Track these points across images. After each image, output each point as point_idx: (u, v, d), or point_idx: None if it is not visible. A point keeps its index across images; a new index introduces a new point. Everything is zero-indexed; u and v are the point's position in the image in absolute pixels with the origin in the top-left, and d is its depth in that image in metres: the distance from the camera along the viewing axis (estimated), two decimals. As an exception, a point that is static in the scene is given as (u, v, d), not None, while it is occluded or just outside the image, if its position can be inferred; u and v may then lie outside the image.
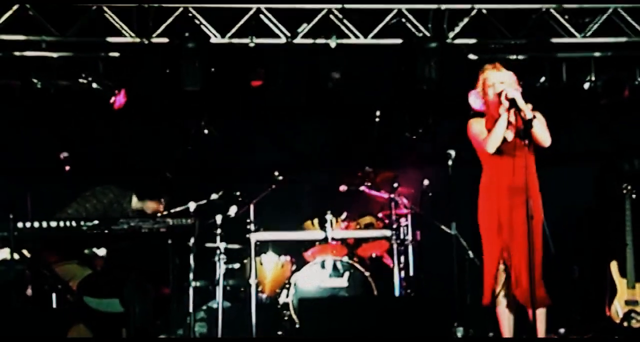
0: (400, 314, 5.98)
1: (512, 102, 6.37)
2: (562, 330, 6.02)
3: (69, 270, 6.87)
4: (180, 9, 8.75)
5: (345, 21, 8.88)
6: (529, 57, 9.01)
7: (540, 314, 6.48)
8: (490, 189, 6.64)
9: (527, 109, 6.36)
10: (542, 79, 9.08)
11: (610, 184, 9.37)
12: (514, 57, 8.99)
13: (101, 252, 7.00)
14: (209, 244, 8.17)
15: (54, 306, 6.63)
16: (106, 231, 6.54)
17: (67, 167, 7.40)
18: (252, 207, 8.23)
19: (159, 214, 6.97)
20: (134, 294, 6.71)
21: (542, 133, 6.41)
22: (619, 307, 8.04)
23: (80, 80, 8.71)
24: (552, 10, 8.92)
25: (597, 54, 9.09)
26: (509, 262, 6.52)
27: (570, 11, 8.97)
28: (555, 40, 8.97)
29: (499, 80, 6.56)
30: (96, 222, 6.53)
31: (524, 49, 8.97)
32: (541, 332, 6.45)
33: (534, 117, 6.27)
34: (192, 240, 7.60)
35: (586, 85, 9.13)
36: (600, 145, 9.62)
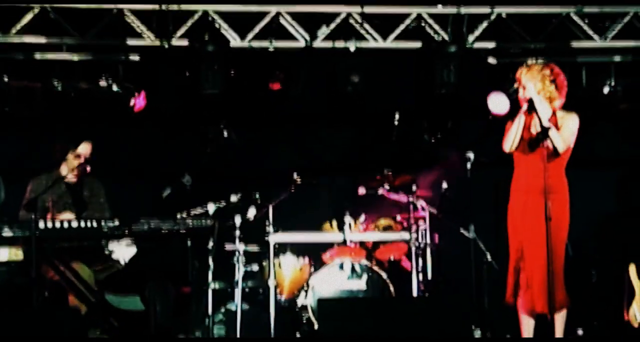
0: (418, 316, 5.96)
1: (530, 104, 6.41)
2: (580, 331, 6.00)
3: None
4: (200, 12, 8.79)
5: (364, 25, 8.90)
6: (548, 61, 8.99)
7: (560, 317, 6.49)
8: (513, 189, 6.73)
9: (544, 113, 6.39)
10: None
11: (631, 189, 9.35)
12: (533, 61, 8.97)
13: (122, 252, 7.03)
14: (228, 246, 8.20)
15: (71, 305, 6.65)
16: (126, 231, 6.57)
17: (88, 169, 7.43)
18: (270, 209, 8.25)
19: (178, 216, 6.99)
20: (155, 292, 6.74)
21: (556, 140, 6.41)
22: (637, 311, 8.01)
23: (101, 82, 8.76)
24: (572, 14, 8.93)
25: (617, 58, 9.08)
26: (521, 263, 6.54)
27: (591, 15, 8.96)
28: (575, 44, 8.97)
29: (529, 80, 6.58)
30: (117, 222, 6.56)
31: (544, 53, 8.95)
32: (559, 335, 6.45)
33: (549, 127, 6.31)
34: (211, 242, 7.66)
35: (606, 90, 9.10)
36: (621, 151, 9.57)
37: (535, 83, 6.59)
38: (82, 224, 6.50)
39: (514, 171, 6.74)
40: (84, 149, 7.33)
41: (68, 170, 7.33)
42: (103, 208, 7.47)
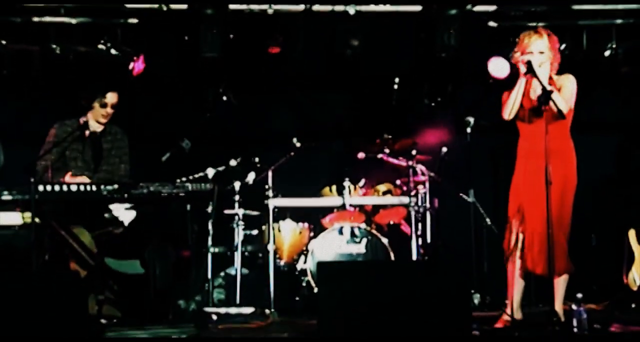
0: (418, 279, 5.98)
1: (529, 67, 6.39)
2: (579, 295, 6.01)
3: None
4: (199, -25, 8.72)
5: (364, -13, 8.84)
6: (549, 24, 8.94)
7: (561, 281, 6.51)
8: (523, 151, 6.72)
9: (543, 76, 6.38)
10: (563, 47, 9.00)
11: (631, 154, 9.34)
12: (534, 24, 8.92)
13: (122, 216, 7.03)
14: (227, 211, 8.21)
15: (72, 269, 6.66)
16: (126, 195, 6.58)
17: (87, 132, 7.44)
18: (270, 173, 8.24)
19: (177, 180, 6.98)
20: (155, 256, 6.76)
21: (560, 103, 6.39)
22: (636, 275, 8.04)
23: (99, 46, 8.71)
24: (572, -24, 8.86)
25: (618, 21, 9.01)
26: (523, 226, 6.55)
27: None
28: (576, 7, 8.90)
29: (538, 50, 6.56)
30: (116, 186, 6.56)
31: (545, 16, 8.89)
32: (559, 299, 6.48)
33: (552, 91, 6.29)
34: (210, 206, 7.67)
35: (607, 53, 9.05)
36: (622, 115, 9.53)
37: (534, 47, 6.55)
38: (82, 187, 6.51)
39: (519, 138, 6.72)
40: (112, 98, 7.45)
41: (93, 118, 7.41)
42: (119, 163, 7.50)
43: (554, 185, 6.27)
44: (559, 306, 6.44)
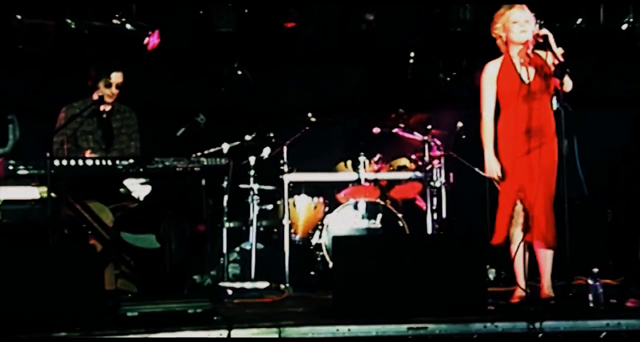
0: (433, 253, 5.98)
1: (545, 40, 6.33)
2: (595, 270, 6.02)
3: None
4: (214, -51, 8.70)
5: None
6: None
7: (550, 255, 6.54)
8: (509, 131, 6.62)
9: (558, 51, 6.33)
10: (579, 21, 8.94)
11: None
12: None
13: (137, 191, 7.06)
14: (242, 185, 8.21)
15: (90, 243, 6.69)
16: (141, 170, 6.58)
17: (102, 108, 7.45)
18: (285, 148, 8.23)
19: (192, 155, 6.98)
20: (170, 231, 6.76)
21: (568, 78, 6.34)
22: (652, 251, 8.01)
23: (114, 21, 8.70)
24: (589, -49, 8.78)
25: (636, -6, 8.94)
26: (526, 202, 6.52)
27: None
28: (593, -20, 8.84)
29: (524, 19, 6.49)
30: (131, 160, 6.57)
31: (561, -11, 8.84)
32: (548, 272, 6.58)
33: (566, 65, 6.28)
34: (225, 181, 7.68)
35: (624, 27, 8.96)
36: (638, 89, 9.46)
37: (521, 17, 6.49)
38: (97, 162, 6.52)
39: (504, 112, 6.65)
40: (116, 78, 7.41)
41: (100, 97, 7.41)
42: (129, 141, 7.51)
43: (552, 162, 6.35)
44: (548, 281, 6.58)
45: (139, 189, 7.03)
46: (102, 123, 7.45)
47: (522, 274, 6.64)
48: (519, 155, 6.57)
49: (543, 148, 6.47)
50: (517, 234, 6.59)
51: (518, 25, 6.50)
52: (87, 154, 7.19)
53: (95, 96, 7.30)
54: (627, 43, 9.04)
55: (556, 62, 6.29)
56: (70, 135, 7.27)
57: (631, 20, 8.92)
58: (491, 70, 6.68)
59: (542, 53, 6.52)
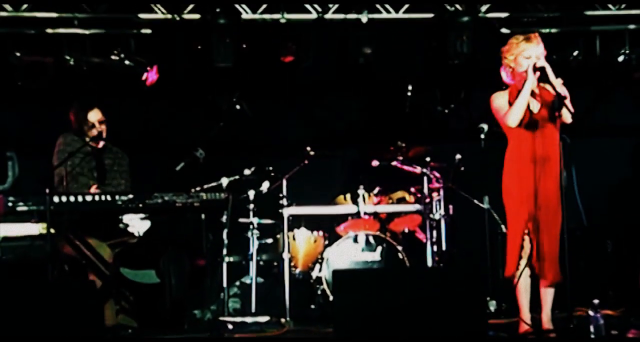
0: (433, 287, 5.96)
1: (542, 73, 6.33)
2: (596, 301, 5.99)
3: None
4: (211, -15, 8.75)
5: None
6: (562, 30, 8.94)
7: (553, 289, 6.52)
8: (517, 160, 6.56)
9: (557, 82, 6.34)
10: (576, 53, 8.99)
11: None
12: (547, 30, 8.91)
13: (137, 226, 7.05)
14: (242, 220, 8.21)
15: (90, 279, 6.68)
16: (140, 205, 6.59)
17: (101, 144, 7.45)
18: (284, 182, 8.24)
19: (192, 190, 6.99)
20: (170, 266, 6.76)
21: (570, 109, 6.34)
22: (653, 281, 8.00)
23: (113, 57, 8.74)
24: (585, -18, 8.85)
25: (631, 26, 8.99)
26: (533, 234, 6.49)
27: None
28: (589, 12, 8.89)
29: (536, 55, 6.48)
30: (131, 196, 6.57)
31: (557, 22, 8.89)
32: (549, 305, 6.55)
33: (565, 97, 6.27)
34: (225, 215, 7.67)
35: (620, 58, 9.02)
36: (636, 119, 9.49)
37: (533, 51, 6.49)
38: (97, 198, 6.52)
39: (512, 142, 6.58)
40: (94, 116, 7.30)
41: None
42: (120, 179, 7.48)
43: (558, 191, 6.29)
44: (548, 314, 6.52)
45: (138, 224, 7.02)
46: (95, 159, 7.40)
47: (527, 307, 6.59)
48: (529, 184, 6.53)
49: (550, 177, 6.41)
50: (523, 267, 6.57)
51: (529, 61, 6.48)
52: (93, 189, 7.15)
53: (94, 132, 7.27)
54: (623, 74, 9.09)
55: (554, 93, 6.30)
56: (69, 173, 7.23)
57: (627, 51, 8.99)
58: (502, 98, 6.64)
59: (547, 85, 6.54)
